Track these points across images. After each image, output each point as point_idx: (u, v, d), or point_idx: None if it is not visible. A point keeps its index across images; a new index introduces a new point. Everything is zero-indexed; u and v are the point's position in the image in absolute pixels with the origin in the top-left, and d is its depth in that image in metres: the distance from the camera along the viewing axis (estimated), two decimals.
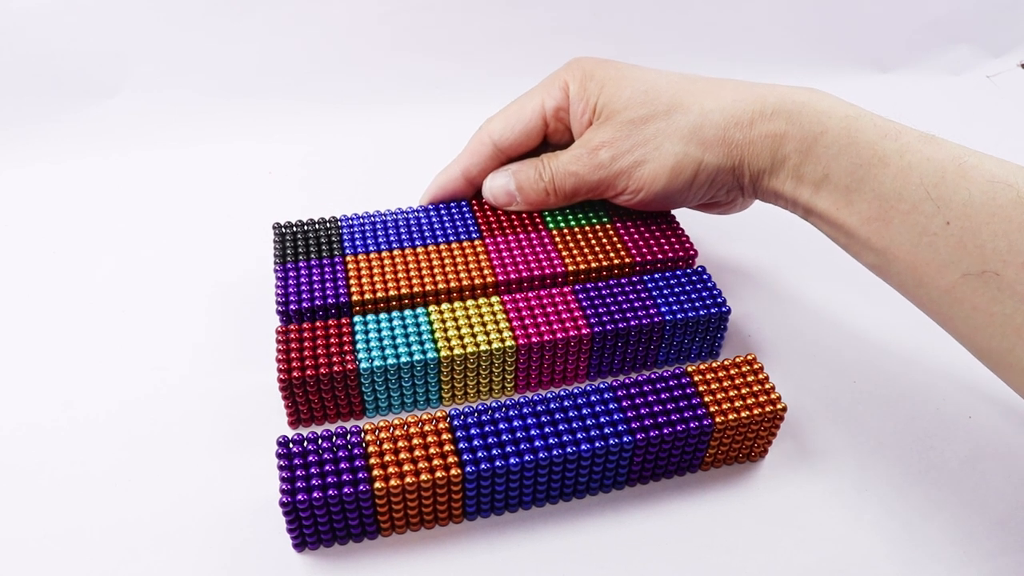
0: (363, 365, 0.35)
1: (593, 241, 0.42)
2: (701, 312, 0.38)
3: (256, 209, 0.53)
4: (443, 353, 0.36)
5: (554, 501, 0.35)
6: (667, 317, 0.38)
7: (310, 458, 0.31)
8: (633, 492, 0.35)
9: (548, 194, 0.42)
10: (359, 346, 0.36)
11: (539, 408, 0.33)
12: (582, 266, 0.40)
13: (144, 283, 0.47)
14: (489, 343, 0.36)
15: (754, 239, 0.51)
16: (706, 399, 0.34)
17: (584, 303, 0.38)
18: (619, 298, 0.39)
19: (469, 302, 0.38)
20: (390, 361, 0.35)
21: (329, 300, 0.38)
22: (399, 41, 0.66)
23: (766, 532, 0.34)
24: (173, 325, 0.44)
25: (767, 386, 0.35)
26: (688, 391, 0.34)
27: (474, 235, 0.42)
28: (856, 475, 0.36)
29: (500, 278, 0.39)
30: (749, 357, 0.36)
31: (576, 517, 0.34)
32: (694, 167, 0.38)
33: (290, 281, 0.39)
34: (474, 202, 0.45)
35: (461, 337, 0.36)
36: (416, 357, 0.35)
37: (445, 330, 0.37)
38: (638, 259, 0.41)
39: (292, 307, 0.37)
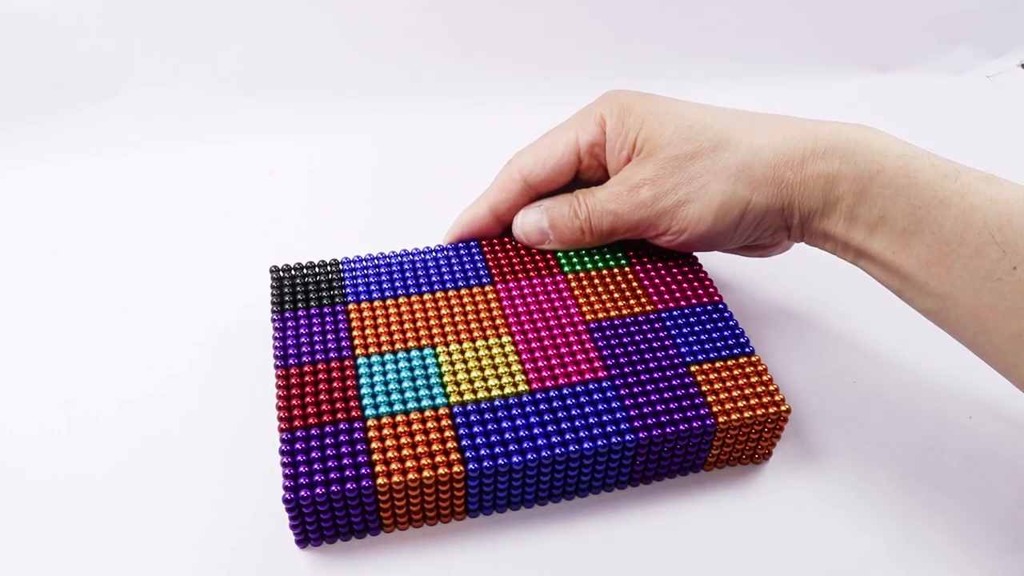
0: (368, 412, 0.33)
1: (612, 287, 0.40)
2: (723, 353, 0.36)
3: (257, 209, 0.53)
4: (452, 399, 0.34)
5: (556, 500, 0.35)
6: (688, 359, 0.36)
7: (313, 454, 0.31)
8: (635, 492, 0.35)
9: (583, 233, 0.40)
10: (363, 391, 0.34)
11: (541, 406, 0.33)
12: (600, 315, 0.38)
13: (144, 283, 0.47)
14: (501, 387, 0.34)
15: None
16: (709, 399, 0.34)
17: (600, 343, 0.37)
18: (636, 337, 0.37)
19: (479, 342, 0.37)
20: (396, 407, 0.34)
21: (331, 355, 0.36)
22: (401, 40, 0.66)
23: (767, 533, 0.34)
24: (173, 324, 0.44)
25: (771, 387, 0.35)
26: (691, 390, 0.34)
27: (484, 280, 0.40)
28: (857, 476, 0.36)
29: (514, 329, 0.37)
30: (753, 358, 0.36)
31: (578, 516, 0.34)
32: (741, 207, 0.36)
33: (288, 333, 0.37)
34: (484, 243, 0.43)
35: (471, 381, 0.35)
36: (424, 403, 0.34)
37: (454, 373, 0.35)
38: (660, 306, 0.39)
39: (292, 361, 0.35)
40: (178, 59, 0.63)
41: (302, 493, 0.30)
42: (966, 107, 0.70)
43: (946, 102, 0.70)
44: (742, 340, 0.37)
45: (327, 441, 0.32)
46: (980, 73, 0.74)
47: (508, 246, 0.43)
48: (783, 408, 0.34)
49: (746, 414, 0.33)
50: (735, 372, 0.35)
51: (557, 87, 0.68)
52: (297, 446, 0.31)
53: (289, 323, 0.37)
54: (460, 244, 0.43)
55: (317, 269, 0.40)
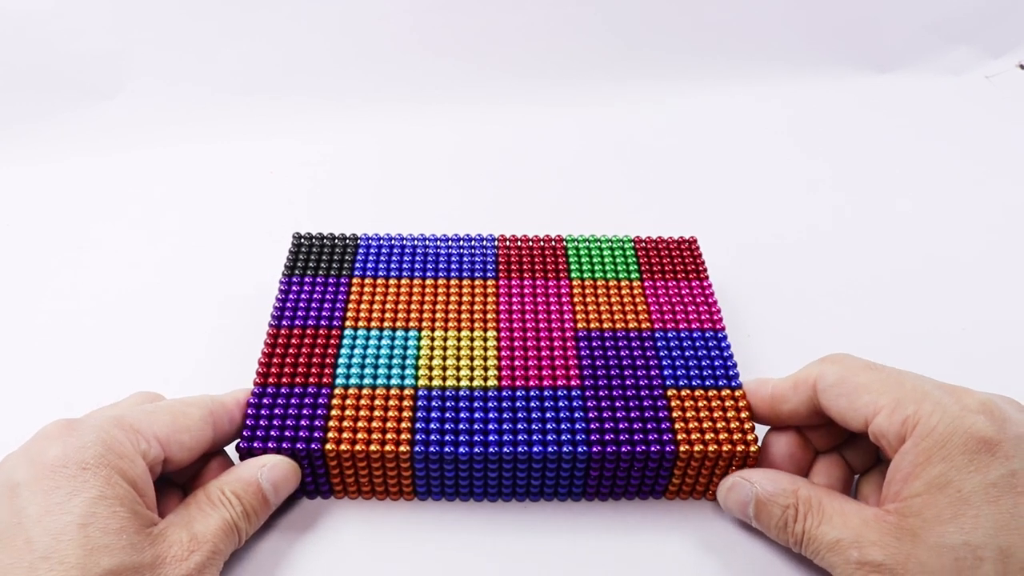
0: (338, 380, 0.35)
1: (614, 299, 0.39)
2: (708, 382, 0.35)
3: (257, 209, 0.54)
4: (421, 382, 0.35)
5: (507, 498, 0.35)
6: (668, 382, 0.35)
7: (276, 411, 0.33)
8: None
9: (789, 544, 0.31)
10: (341, 360, 0.36)
11: (504, 403, 0.34)
12: (592, 325, 0.38)
13: (144, 284, 0.47)
14: (471, 379, 0.35)
15: (757, 243, 0.51)
16: (676, 425, 0.33)
17: (583, 352, 0.37)
18: (621, 352, 0.36)
19: (464, 332, 0.37)
20: (366, 380, 0.35)
21: (322, 323, 0.37)
22: (403, 39, 0.67)
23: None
24: (174, 324, 0.44)
25: (746, 425, 0.33)
26: (661, 414, 0.34)
27: (490, 274, 0.41)
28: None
29: (502, 325, 0.38)
30: (737, 392, 0.35)
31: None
32: None
33: (290, 296, 0.39)
34: (500, 237, 0.43)
35: (444, 368, 0.35)
36: (393, 381, 0.35)
37: (431, 358, 0.36)
38: (657, 326, 0.38)
39: (284, 323, 0.37)
40: (178, 58, 0.63)
41: (255, 444, 0.32)
42: (965, 107, 0.69)
43: (945, 102, 0.70)
44: (731, 372, 0.36)
45: (293, 401, 0.33)
46: (979, 73, 0.73)
47: (522, 244, 0.43)
48: (752, 448, 0.32)
49: (711, 447, 0.32)
50: (713, 403, 0.34)
51: (558, 88, 0.68)
52: (264, 401, 0.33)
53: (294, 287, 0.39)
54: (479, 236, 0.43)
55: (336, 241, 0.42)
